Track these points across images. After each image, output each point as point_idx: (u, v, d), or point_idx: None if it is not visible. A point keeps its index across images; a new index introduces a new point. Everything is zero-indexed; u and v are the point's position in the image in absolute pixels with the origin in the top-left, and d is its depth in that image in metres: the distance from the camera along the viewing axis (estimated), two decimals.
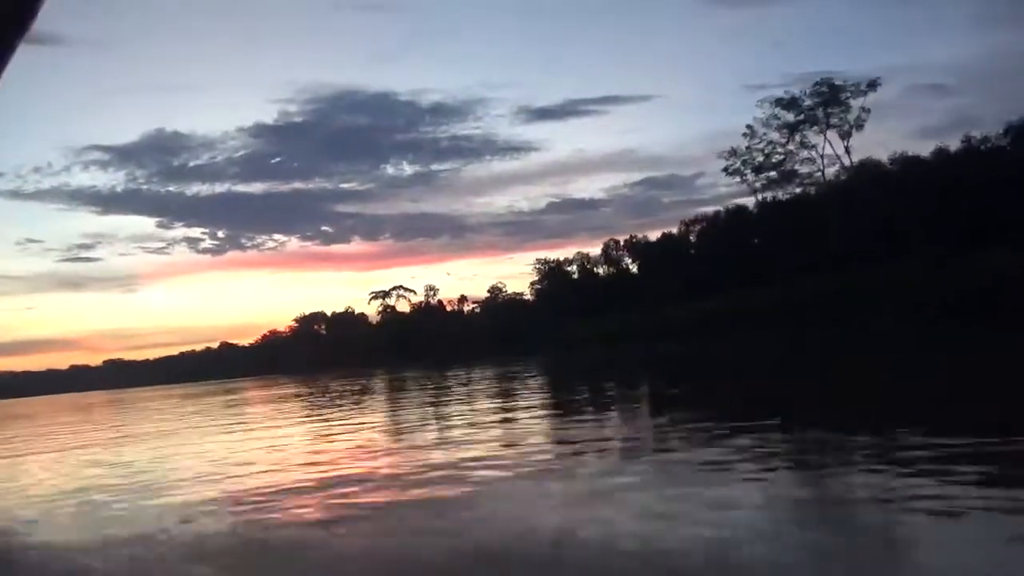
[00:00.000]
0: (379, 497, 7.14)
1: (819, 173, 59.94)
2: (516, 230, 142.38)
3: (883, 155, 55.18)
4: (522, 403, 17.23)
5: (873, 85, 55.32)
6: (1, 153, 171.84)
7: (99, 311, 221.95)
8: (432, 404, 19.98)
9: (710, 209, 69.20)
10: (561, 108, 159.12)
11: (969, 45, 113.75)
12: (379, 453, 10.48)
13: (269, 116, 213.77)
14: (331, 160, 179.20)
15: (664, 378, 22.80)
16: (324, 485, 8.06)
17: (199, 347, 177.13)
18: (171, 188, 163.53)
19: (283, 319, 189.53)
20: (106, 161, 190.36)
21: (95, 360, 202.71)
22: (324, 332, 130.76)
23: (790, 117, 58.88)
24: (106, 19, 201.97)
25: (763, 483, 6.27)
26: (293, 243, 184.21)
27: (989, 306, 28.82)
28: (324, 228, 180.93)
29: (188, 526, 6.58)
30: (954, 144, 50.29)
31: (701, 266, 60.68)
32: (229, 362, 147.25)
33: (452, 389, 25.66)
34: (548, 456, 8.64)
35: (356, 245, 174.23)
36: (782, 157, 61.00)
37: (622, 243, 77.99)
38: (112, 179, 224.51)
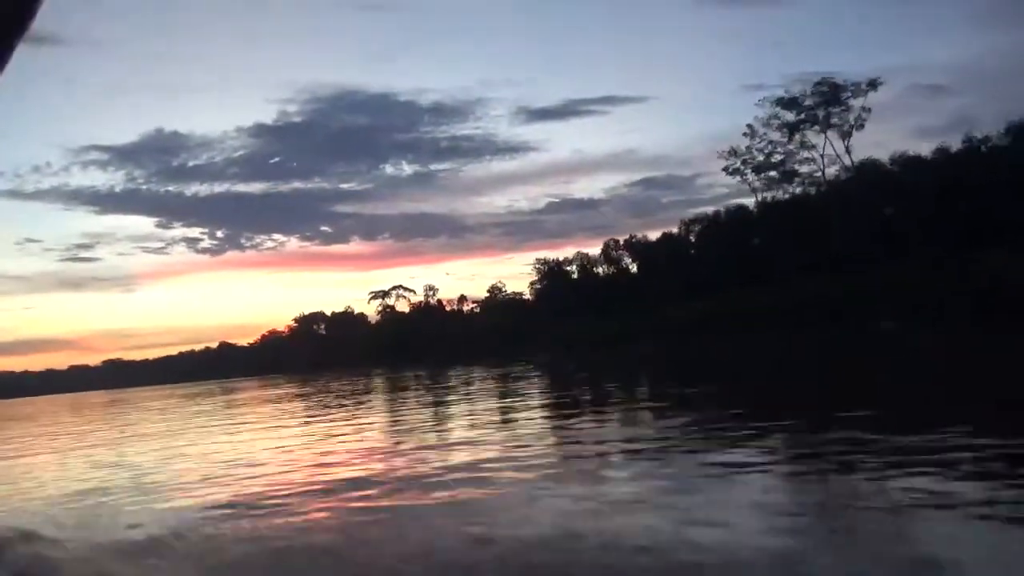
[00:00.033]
0: (402, 500, 6.95)
1: (819, 173, 60.12)
2: (515, 230, 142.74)
3: (883, 155, 55.31)
4: (528, 403, 17.23)
5: (874, 84, 55.47)
6: (0, 153, 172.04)
7: (98, 311, 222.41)
8: (437, 404, 19.97)
9: (710, 209, 69.34)
10: (560, 108, 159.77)
11: (969, 45, 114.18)
12: (392, 453, 10.37)
13: (268, 116, 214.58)
14: (330, 160, 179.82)
15: (666, 378, 22.88)
16: (341, 487, 7.94)
17: (198, 347, 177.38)
18: (170, 188, 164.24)
19: (282, 319, 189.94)
20: (105, 161, 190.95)
21: (94, 360, 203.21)
22: (323, 332, 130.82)
23: (790, 117, 59.04)
24: (105, 19, 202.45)
25: (806, 486, 6.20)
26: (292, 243, 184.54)
27: (986, 307, 28.95)
28: (323, 228, 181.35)
29: (206, 531, 6.46)
30: (955, 144, 50.39)
31: (701, 266, 60.78)
32: (228, 362, 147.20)
33: (455, 389, 25.69)
34: (569, 457, 8.54)
35: (355, 245, 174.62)
36: (782, 157, 61.20)
37: (622, 243, 78.11)
38: (111, 179, 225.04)
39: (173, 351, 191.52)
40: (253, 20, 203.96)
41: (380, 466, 9.28)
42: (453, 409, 17.75)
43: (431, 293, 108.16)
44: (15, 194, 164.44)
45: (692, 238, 68.02)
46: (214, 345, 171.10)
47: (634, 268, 76.48)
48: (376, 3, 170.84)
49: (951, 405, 9.95)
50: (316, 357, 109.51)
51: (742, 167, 63.14)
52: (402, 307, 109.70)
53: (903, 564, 4.21)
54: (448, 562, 4.92)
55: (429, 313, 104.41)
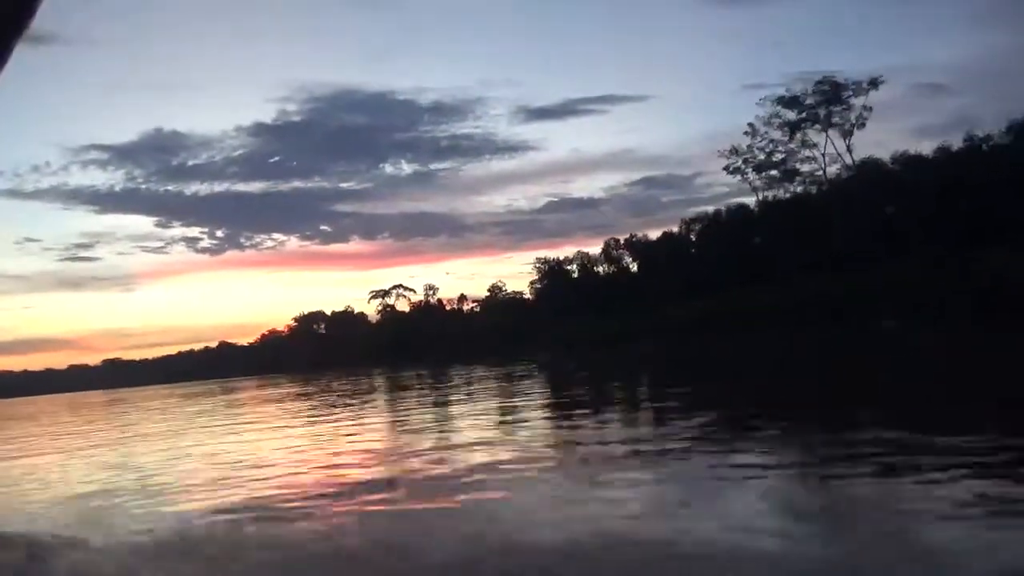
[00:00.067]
0: (426, 503, 6.74)
1: (820, 172, 60.16)
2: (515, 229, 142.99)
3: (885, 154, 55.37)
4: (533, 403, 17.19)
5: (875, 83, 55.50)
6: None
7: (98, 310, 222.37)
8: (442, 404, 19.92)
9: (710, 208, 69.42)
10: (560, 107, 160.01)
11: (969, 45, 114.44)
12: (405, 454, 10.15)
13: (268, 115, 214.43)
14: (330, 159, 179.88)
15: (666, 377, 22.90)
16: (359, 489, 7.76)
17: (198, 347, 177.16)
18: (170, 187, 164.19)
19: (282, 318, 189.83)
20: (105, 160, 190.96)
21: (94, 359, 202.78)
22: (323, 332, 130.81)
23: (792, 115, 59.10)
24: (105, 18, 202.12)
25: (826, 489, 6.16)
26: (292, 242, 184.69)
27: (988, 306, 28.99)
28: (323, 227, 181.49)
29: (229, 535, 6.29)
30: (956, 143, 50.45)
31: (702, 265, 60.82)
32: (228, 361, 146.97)
33: (459, 388, 25.69)
34: (588, 459, 8.39)
35: (355, 244, 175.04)
36: (783, 156, 61.25)
37: (622, 242, 78.16)
38: (111, 178, 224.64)
39: (172, 351, 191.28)
40: (252, 19, 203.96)
41: (396, 467, 9.12)
42: (459, 409, 17.71)
43: (431, 292, 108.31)
44: (14, 193, 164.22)
45: (693, 237, 68.09)
46: (214, 345, 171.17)
47: (635, 267, 76.56)
48: (376, 2, 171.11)
49: (952, 404, 9.97)
50: (316, 357, 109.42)
51: (743, 166, 63.24)
52: (402, 306, 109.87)
53: (905, 564, 4.22)
54: (488, 571, 4.71)
55: (429, 312, 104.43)
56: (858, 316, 36.82)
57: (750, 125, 60.99)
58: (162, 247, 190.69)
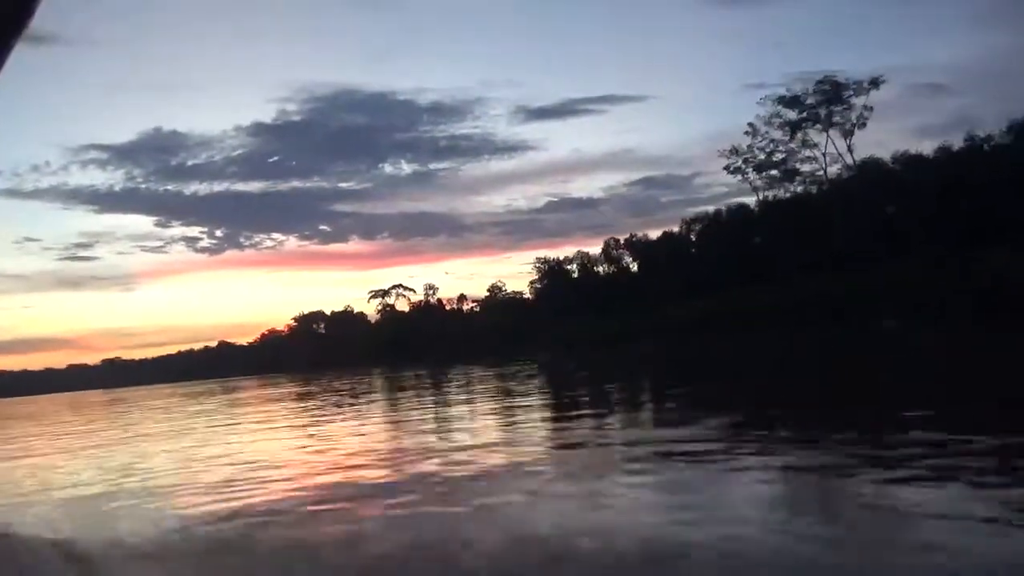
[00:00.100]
0: (451, 506, 6.55)
1: (821, 172, 60.22)
2: (514, 229, 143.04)
3: (885, 154, 55.43)
4: (537, 403, 17.25)
5: (875, 83, 55.51)
6: None
7: (97, 310, 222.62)
8: (446, 404, 19.93)
9: (710, 208, 69.49)
10: (559, 107, 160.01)
11: (969, 45, 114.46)
12: (419, 455, 9.98)
13: (267, 115, 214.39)
14: (329, 159, 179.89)
15: (667, 379, 22.97)
16: (379, 491, 7.60)
17: (198, 346, 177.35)
18: (169, 187, 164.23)
19: (282, 318, 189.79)
20: (104, 160, 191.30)
21: (93, 359, 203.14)
22: (323, 331, 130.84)
23: (792, 115, 59.12)
24: (105, 18, 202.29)
25: (828, 488, 6.19)
26: (291, 242, 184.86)
27: (988, 306, 29.08)
28: (322, 227, 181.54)
29: (244, 542, 6.16)
30: (957, 143, 50.51)
31: (702, 265, 60.87)
32: (228, 361, 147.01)
33: (460, 388, 25.74)
34: (601, 461, 8.32)
35: (354, 244, 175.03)
36: (784, 155, 61.28)
37: (622, 242, 78.21)
38: (110, 178, 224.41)
39: (172, 350, 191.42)
40: (253, 19, 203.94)
41: (412, 468, 8.95)
42: (464, 409, 17.74)
43: (431, 292, 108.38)
44: (14, 193, 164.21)
45: (693, 237, 68.15)
46: (213, 344, 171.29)
47: (635, 267, 76.61)
48: (376, 2, 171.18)
49: (953, 404, 10.01)
50: (316, 356, 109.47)
51: (743, 166, 63.31)
52: (402, 306, 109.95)
53: (905, 564, 4.25)
54: None
55: (429, 312, 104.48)
56: (859, 316, 36.92)
57: (750, 125, 61.15)
58: (162, 247, 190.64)
